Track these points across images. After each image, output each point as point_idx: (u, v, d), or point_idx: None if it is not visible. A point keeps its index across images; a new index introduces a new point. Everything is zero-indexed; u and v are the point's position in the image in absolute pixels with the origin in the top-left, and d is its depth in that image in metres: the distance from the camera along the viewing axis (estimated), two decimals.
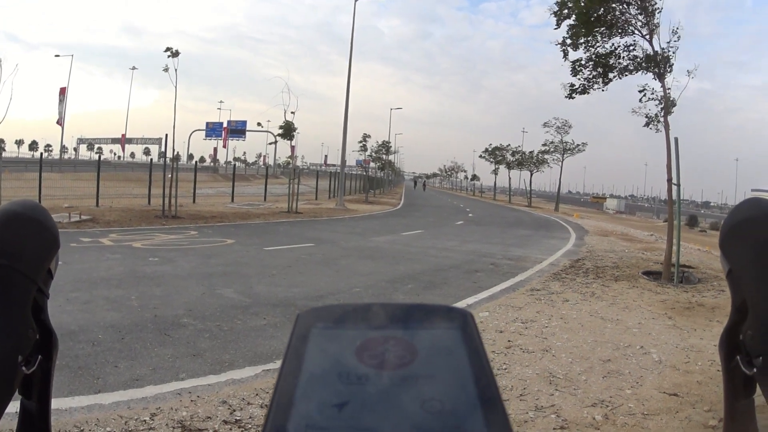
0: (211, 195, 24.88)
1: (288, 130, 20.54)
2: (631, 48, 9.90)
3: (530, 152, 46.90)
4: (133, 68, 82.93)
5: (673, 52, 9.37)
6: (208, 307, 6.07)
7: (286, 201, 20.02)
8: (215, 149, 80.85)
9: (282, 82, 26.86)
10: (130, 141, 79.89)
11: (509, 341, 5.33)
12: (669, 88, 9.56)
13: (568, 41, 10.11)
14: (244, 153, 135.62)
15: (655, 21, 9.42)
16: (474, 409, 0.27)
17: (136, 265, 8.12)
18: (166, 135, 17.05)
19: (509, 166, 50.79)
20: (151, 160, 23.96)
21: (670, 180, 9.17)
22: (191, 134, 24.57)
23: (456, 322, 0.33)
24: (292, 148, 23.18)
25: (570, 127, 39.04)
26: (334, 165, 68.34)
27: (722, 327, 0.51)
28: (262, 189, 26.30)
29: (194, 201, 20.69)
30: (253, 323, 5.59)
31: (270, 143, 23.73)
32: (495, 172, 54.36)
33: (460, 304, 6.60)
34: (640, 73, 9.95)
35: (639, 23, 9.56)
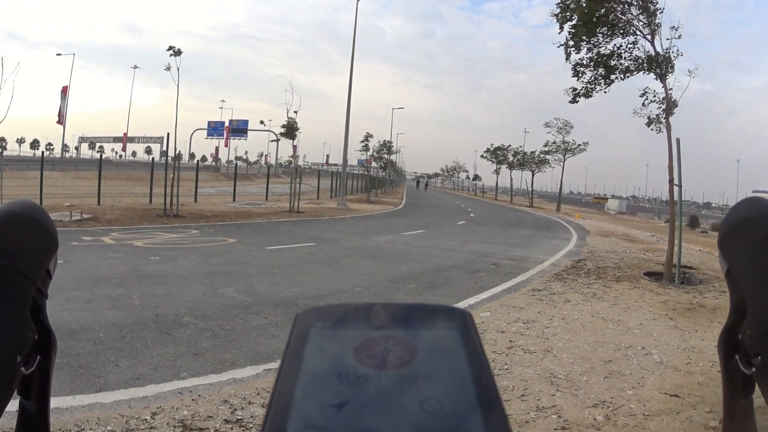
0: (213, 194, 24.88)
1: (290, 130, 20.56)
2: (633, 48, 9.89)
3: (532, 152, 46.91)
4: (135, 67, 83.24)
5: (675, 54, 9.36)
6: (209, 306, 6.07)
7: (287, 200, 20.02)
8: (217, 148, 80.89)
9: (284, 80, 27.09)
10: (131, 140, 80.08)
11: (510, 341, 5.33)
12: (671, 89, 9.55)
13: (570, 43, 10.09)
14: (246, 152, 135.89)
15: (657, 21, 9.41)
16: (473, 409, 0.27)
17: (138, 264, 8.13)
18: (168, 134, 17.04)
19: (511, 167, 50.78)
20: (153, 159, 24.03)
21: (671, 181, 9.16)
22: (193, 133, 24.64)
23: (456, 322, 0.33)
24: (294, 147, 23.21)
25: (571, 127, 39.04)
26: (335, 164, 68.38)
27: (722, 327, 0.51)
28: (264, 188, 26.31)
29: (196, 200, 20.70)
30: (255, 322, 5.59)
31: (272, 140, 23.73)
32: (497, 172, 54.37)
33: (462, 304, 6.60)
34: (641, 73, 9.95)
35: (641, 24, 9.55)
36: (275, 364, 4.41)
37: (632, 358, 4.98)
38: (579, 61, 10.38)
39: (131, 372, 4.12)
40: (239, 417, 3.51)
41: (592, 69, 10.34)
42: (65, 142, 64.96)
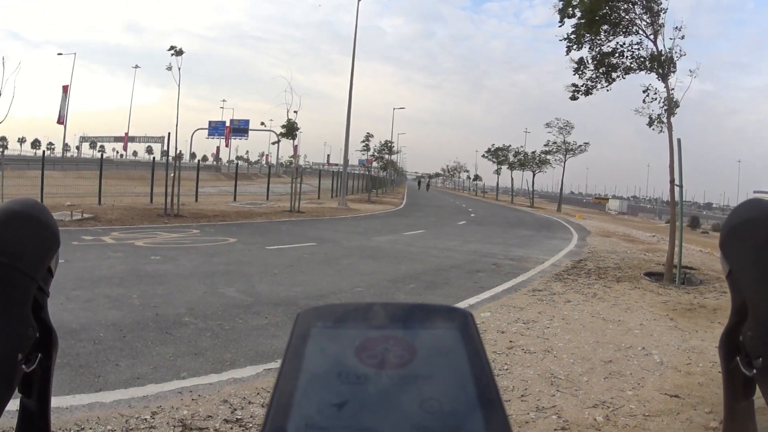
0: (214, 194, 24.90)
1: (291, 130, 20.56)
2: (635, 47, 9.88)
3: (532, 153, 46.90)
4: (136, 67, 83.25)
5: (678, 54, 9.36)
6: (209, 305, 6.07)
7: (288, 200, 20.03)
8: (218, 148, 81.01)
9: (284, 81, 26.92)
10: (132, 139, 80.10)
11: (511, 342, 5.33)
12: (672, 89, 9.55)
13: (573, 37, 10.07)
14: (247, 152, 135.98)
15: (660, 21, 9.40)
16: (473, 409, 0.27)
17: (138, 264, 8.13)
18: (169, 133, 17.05)
19: (511, 167, 50.75)
20: (154, 158, 24.06)
21: (672, 181, 9.16)
22: (194, 133, 24.66)
23: (456, 322, 0.33)
24: (295, 147, 23.20)
25: (572, 127, 39.01)
26: (336, 164, 68.41)
27: (723, 328, 0.51)
28: (265, 188, 26.33)
29: (196, 200, 20.71)
30: (255, 322, 5.60)
31: (273, 142, 23.71)
32: (497, 172, 54.35)
33: (462, 305, 6.60)
34: (643, 72, 9.94)
35: (644, 23, 9.55)
36: (275, 364, 4.41)
37: (632, 358, 4.98)
38: (581, 58, 10.37)
39: (131, 371, 4.13)
40: (239, 417, 3.52)
41: (593, 69, 10.33)
42: (66, 142, 65.01)
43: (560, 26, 10.06)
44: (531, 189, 47.05)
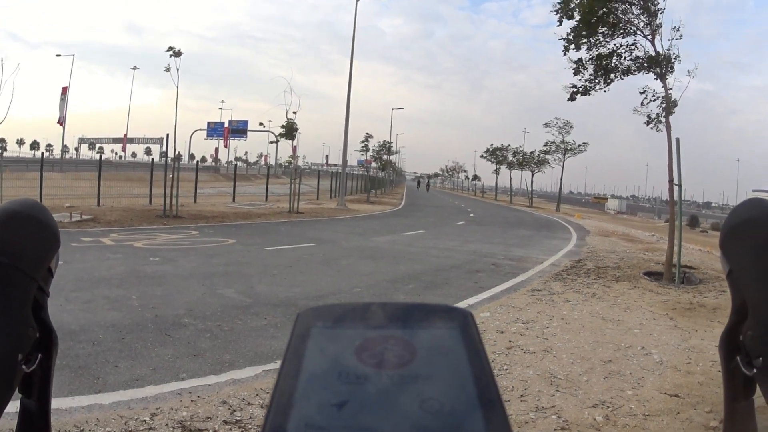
0: (213, 195, 24.89)
1: (289, 130, 20.57)
2: (633, 48, 9.89)
3: (531, 152, 46.94)
4: (135, 68, 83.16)
5: (677, 56, 9.37)
6: (208, 306, 6.07)
7: (287, 201, 20.02)
8: (216, 149, 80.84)
9: (284, 81, 26.92)
10: (131, 140, 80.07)
11: (510, 342, 5.33)
12: (670, 89, 9.56)
13: (571, 39, 10.09)
14: (246, 153, 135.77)
15: (658, 21, 9.41)
16: (473, 409, 0.27)
17: (137, 265, 8.13)
18: (168, 135, 17.08)
19: (510, 167, 50.79)
20: (153, 159, 24.04)
21: (671, 180, 9.16)
22: (192, 134, 24.67)
23: (456, 322, 0.33)
24: (294, 147, 23.21)
25: (571, 127, 39.09)
26: (335, 165, 68.35)
27: (723, 328, 0.51)
28: (264, 189, 26.31)
29: (195, 201, 20.70)
30: (254, 323, 5.59)
31: (271, 142, 23.73)
32: (496, 172, 54.39)
33: (462, 305, 6.58)
34: (641, 73, 9.95)
35: (641, 24, 9.56)
36: (274, 365, 4.40)
37: (632, 358, 4.98)
38: (579, 59, 10.38)
39: (130, 373, 4.12)
40: (238, 418, 3.51)
41: (591, 72, 10.33)
42: (65, 143, 64.89)
43: (559, 26, 10.09)
44: (530, 189, 47.07)
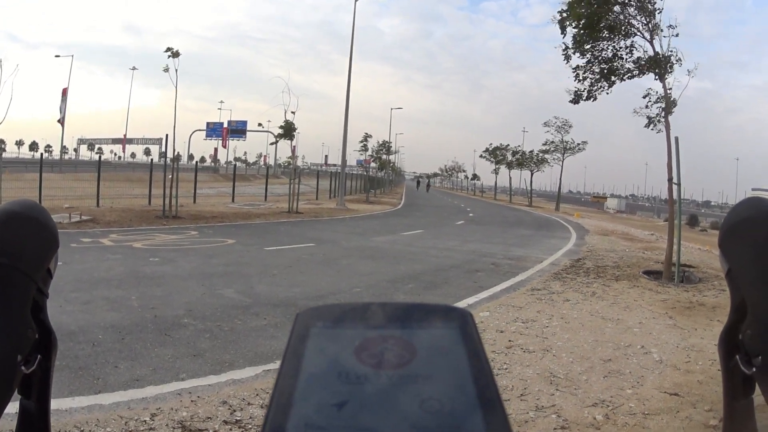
0: (212, 195, 24.89)
1: (288, 130, 20.53)
2: (632, 49, 9.90)
3: (530, 152, 46.93)
4: (134, 68, 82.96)
5: (678, 58, 9.37)
6: (208, 307, 6.07)
7: (286, 201, 20.02)
8: (216, 149, 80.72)
9: (282, 82, 26.83)
10: (130, 141, 79.86)
11: (510, 341, 5.33)
12: (670, 89, 9.57)
13: (572, 46, 10.11)
14: (245, 153, 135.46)
15: (655, 21, 9.42)
16: (473, 409, 0.27)
17: (137, 266, 8.12)
18: (167, 135, 17.04)
19: (510, 166, 50.77)
20: (152, 160, 23.99)
21: (670, 179, 9.17)
22: (191, 134, 24.61)
23: (455, 322, 0.33)
24: (293, 148, 23.18)
25: (570, 126, 39.09)
26: (334, 165, 68.29)
27: (722, 326, 0.51)
28: (263, 189, 26.31)
29: (195, 201, 20.69)
30: (254, 323, 5.59)
31: (271, 143, 23.71)
32: (495, 171, 54.34)
33: (461, 304, 6.60)
34: (642, 75, 9.96)
35: (641, 24, 9.56)
36: (274, 365, 4.40)
37: (632, 357, 4.99)
38: (578, 67, 10.39)
39: (130, 373, 4.12)
40: (238, 418, 3.51)
41: (593, 75, 10.33)
42: (64, 144, 64.80)
43: (563, 36, 10.12)
44: (529, 188, 47.08)
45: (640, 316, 6.47)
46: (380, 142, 43.51)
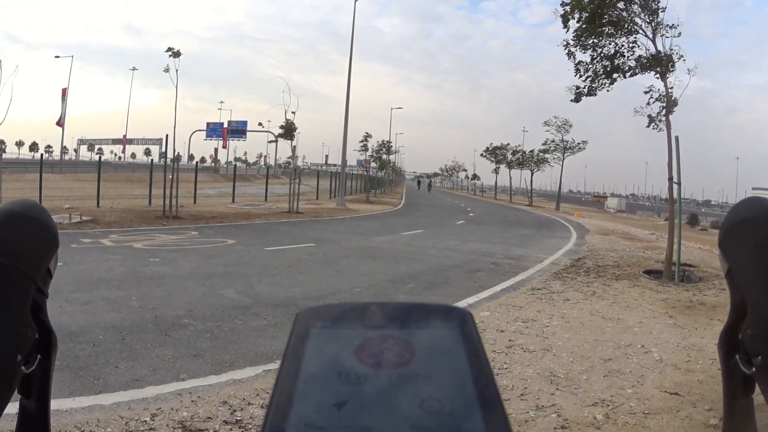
0: (212, 195, 24.88)
1: (288, 130, 20.53)
2: (634, 46, 9.89)
3: (531, 151, 46.93)
4: (134, 69, 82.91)
5: (680, 56, 9.37)
6: (208, 307, 6.07)
7: (287, 201, 20.02)
8: (216, 149, 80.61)
9: (283, 82, 26.83)
10: (130, 141, 79.81)
11: (510, 341, 5.33)
12: (671, 87, 9.56)
13: (572, 42, 10.09)
14: (245, 153, 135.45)
15: (659, 20, 9.42)
16: (473, 408, 0.27)
17: (137, 266, 8.12)
18: (167, 135, 17.05)
19: (510, 166, 50.77)
20: (152, 160, 24.00)
21: (671, 179, 9.17)
22: (192, 135, 24.60)
23: (455, 322, 0.33)
24: (293, 148, 23.18)
25: (570, 126, 39.09)
26: (334, 165, 68.27)
27: (723, 326, 0.51)
28: (263, 189, 26.31)
29: (195, 201, 20.69)
30: (254, 323, 5.59)
31: (270, 142, 23.71)
32: (496, 171, 54.34)
33: (461, 304, 6.60)
34: (644, 73, 9.95)
35: (643, 23, 9.56)
36: (274, 365, 4.40)
37: (632, 356, 4.98)
38: (582, 62, 10.37)
39: (131, 373, 4.12)
40: (238, 418, 3.51)
41: (595, 70, 10.31)
42: (64, 144, 64.79)
43: (565, 30, 10.08)
44: (529, 188, 47.07)
45: (640, 316, 6.47)
46: (380, 142, 43.54)
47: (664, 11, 9.40)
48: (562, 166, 40.72)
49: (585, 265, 10.44)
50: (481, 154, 56.33)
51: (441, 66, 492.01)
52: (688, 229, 25.56)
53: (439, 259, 10.57)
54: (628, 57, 10.00)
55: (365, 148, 39.20)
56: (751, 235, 0.47)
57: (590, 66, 10.32)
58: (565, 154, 39.86)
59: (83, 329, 5.00)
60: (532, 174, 46.20)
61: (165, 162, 17.84)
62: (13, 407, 0.48)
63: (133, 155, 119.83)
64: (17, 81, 14.99)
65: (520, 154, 49.08)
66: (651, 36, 9.53)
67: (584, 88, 10.62)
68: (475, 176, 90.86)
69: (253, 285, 7.34)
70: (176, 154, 17.43)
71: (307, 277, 8.13)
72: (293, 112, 19.94)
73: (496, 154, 52.82)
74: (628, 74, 10.11)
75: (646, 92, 9.97)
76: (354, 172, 51.10)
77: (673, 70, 9.47)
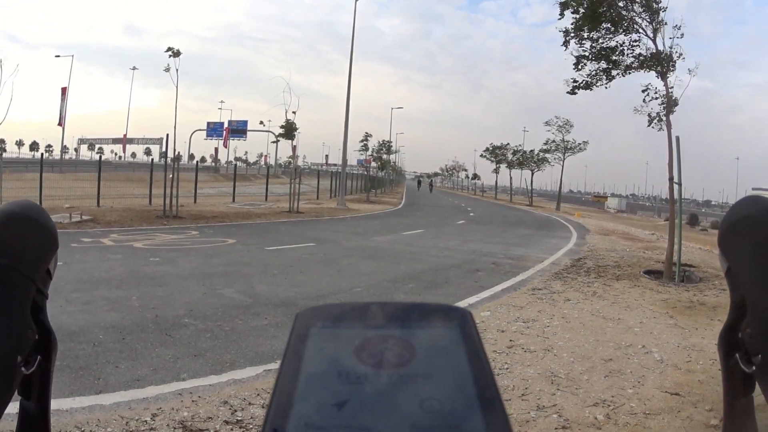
0: (212, 195, 24.88)
1: (289, 130, 20.55)
2: (635, 45, 9.88)
3: (531, 151, 46.93)
4: (134, 68, 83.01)
5: (680, 54, 9.36)
6: (209, 307, 6.07)
7: (287, 201, 20.02)
8: (216, 149, 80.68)
9: (283, 81, 26.81)
10: (131, 141, 79.90)
11: (511, 341, 5.33)
12: (671, 87, 9.56)
13: (571, 34, 10.06)
14: (246, 153, 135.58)
15: (659, 19, 9.41)
16: (473, 408, 0.27)
17: (137, 266, 8.13)
18: (167, 135, 17.09)
19: (510, 166, 50.78)
20: (152, 160, 24.02)
21: (671, 179, 9.17)
22: (192, 134, 24.64)
23: (455, 321, 0.33)
24: (293, 147, 23.19)
25: (571, 126, 39.10)
26: (335, 164, 68.30)
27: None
28: (264, 189, 26.31)
29: (195, 201, 20.70)
30: (255, 323, 5.59)
31: (272, 142, 23.73)
32: (496, 171, 54.35)
33: (462, 304, 6.60)
34: (642, 71, 9.95)
35: (644, 22, 9.55)
36: (275, 365, 4.40)
37: (633, 356, 4.98)
38: (581, 53, 10.35)
39: (131, 373, 4.12)
40: (239, 418, 3.51)
41: (594, 62, 10.29)
42: (64, 144, 64.89)
43: (560, 19, 10.05)
44: (530, 188, 47.06)
45: (640, 316, 6.47)
46: (381, 142, 43.52)
47: (665, 11, 9.41)
48: (562, 166, 40.80)
49: (585, 265, 10.44)
50: (481, 154, 56.37)
51: (441, 66, 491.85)
52: (689, 229, 25.56)
53: (440, 258, 10.57)
54: (627, 54, 10.00)
55: (365, 148, 39.21)
56: (751, 234, 0.47)
57: (589, 60, 10.28)
58: (566, 155, 39.89)
59: (83, 329, 5.00)
60: (532, 174, 46.23)
61: (165, 161, 17.86)
62: (13, 408, 0.48)
63: (134, 155, 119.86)
64: (17, 81, 15.02)
65: (520, 154, 49.08)
66: (651, 35, 9.52)
67: (581, 82, 10.61)
68: (475, 176, 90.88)
69: (253, 285, 7.34)
70: (177, 153, 17.47)
71: (307, 276, 8.13)
72: (294, 112, 19.98)
73: (496, 154, 52.82)
74: (626, 72, 10.09)
75: (643, 91, 9.97)
76: (354, 171, 51.10)
77: (673, 70, 9.47)
